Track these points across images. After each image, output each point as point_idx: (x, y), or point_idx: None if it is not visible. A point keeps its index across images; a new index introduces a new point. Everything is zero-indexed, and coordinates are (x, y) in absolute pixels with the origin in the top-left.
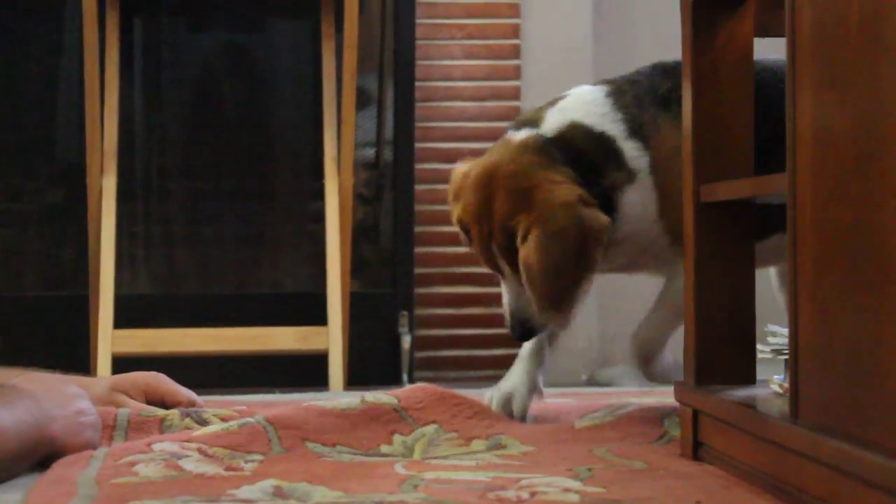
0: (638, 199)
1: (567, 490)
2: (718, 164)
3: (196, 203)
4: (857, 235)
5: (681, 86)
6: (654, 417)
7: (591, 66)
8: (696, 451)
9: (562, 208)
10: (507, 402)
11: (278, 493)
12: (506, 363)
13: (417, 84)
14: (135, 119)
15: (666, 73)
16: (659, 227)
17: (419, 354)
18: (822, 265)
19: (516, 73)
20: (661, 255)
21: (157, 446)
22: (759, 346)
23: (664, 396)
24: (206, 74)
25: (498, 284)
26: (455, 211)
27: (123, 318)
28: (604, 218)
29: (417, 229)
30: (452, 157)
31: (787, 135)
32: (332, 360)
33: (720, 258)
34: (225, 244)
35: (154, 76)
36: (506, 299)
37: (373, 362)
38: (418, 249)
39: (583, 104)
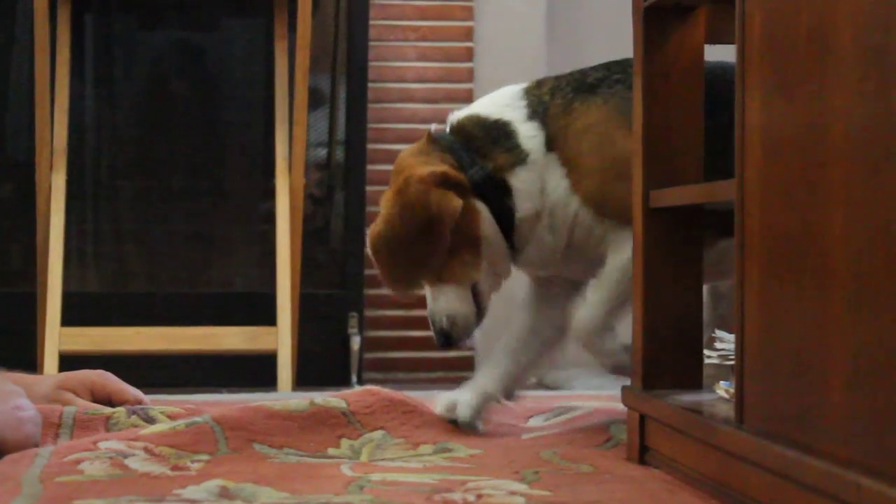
0: (533, 177)
1: (513, 493)
2: (668, 169)
3: (146, 201)
4: (803, 242)
5: (619, 78)
6: (601, 422)
7: (545, 69)
8: (643, 455)
9: (415, 184)
10: (451, 408)
11: (224, 493)
12: (455, 366)
13: (370, 85)
14: (85, 116)
15: (606, 65)
16: (576, 201)
17: (368, 356)
18: (768, 272)
19: (469, 75)
20: (592, 235)
21: (102, 444)
22: (706, 352)
23: (611, 401)
24: (157, 73)
25: None
26: None
27: (71, 316)
28: (455, 201)
29: (368, 230)
30: None
31: (736, 141)
32: (280, 361)
33: (669, 264)
34: (174, 243)
35: (105, 74)
36: (428, 306)
37: (322, 363)
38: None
39: (490, 98)
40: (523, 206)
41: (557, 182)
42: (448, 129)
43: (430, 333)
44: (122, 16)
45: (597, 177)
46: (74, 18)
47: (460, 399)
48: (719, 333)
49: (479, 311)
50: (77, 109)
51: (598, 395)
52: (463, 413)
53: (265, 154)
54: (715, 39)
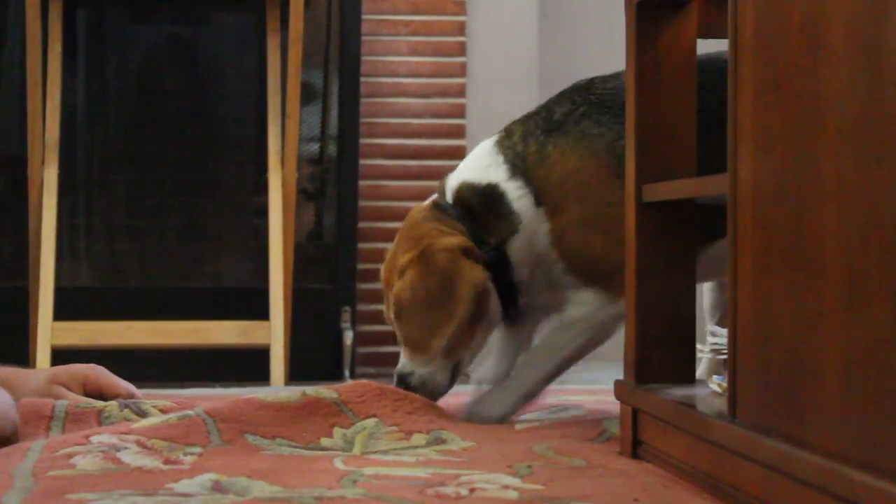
0: (526, 244)
1: (506, 487)
2: (660, 163)
3: (138, 196)
4: (796, 237)
5: (584, 111)
6: (594, 417)
7: (537, 63)
8: (636, 449)
9: (442, 252)
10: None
11: (217, 487)
12: None
13: (363, 80)
14: (77, 111)
15: (569, 95)
16: (554, 254)
17: (361, 350)
18: (761, 266)
19: (462, 70)
20: (557, 285)
21: (95, 439)
22: (698, 346)
23: (604, 395)
24: (150, 67)
25: None
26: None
27: (64, 311)
28: (481, 273)
29: (361, 225)
30: (397, 153)
31: (729, 136)
32: (273, 355)
33: (661, 258)
34: (167, 237)
35: (97, 68)
36: (401, 361)
37: (314, 358)
38: (361, 245)
39: (472, 160)
40: (521, 273)
41: (544, 238)
42: (449, 198)
43: None
44: (114, 10)
45: (574, 232)
46: (66, 13)
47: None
48: (712, 328)
49: (453, 378)
50: (69, 104)
51: (592, 389)
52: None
53: (257, 148)
54: (707, 34)
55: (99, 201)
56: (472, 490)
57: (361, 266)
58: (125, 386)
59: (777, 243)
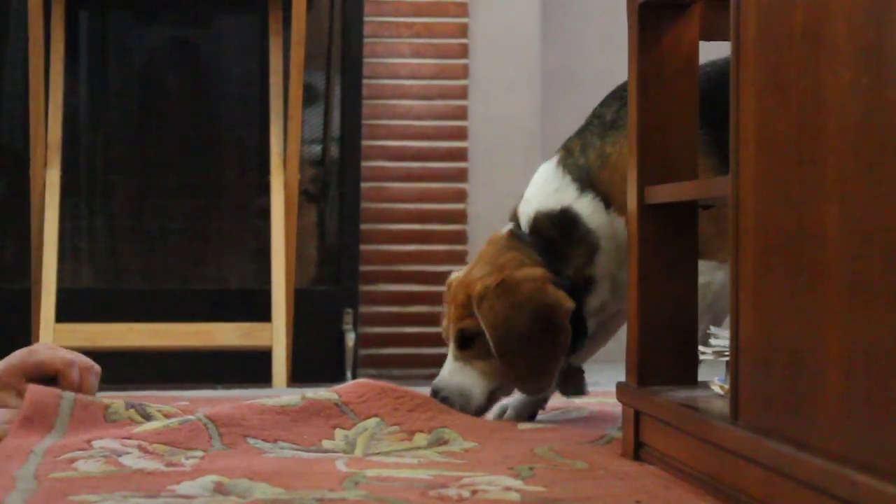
0: (611, 253)
1: (508, 489)
2: (662, 166)
3: (140, 198)
4: (798, 238)
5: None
6: (596, 419)
7: (539, 65)
8: (637, 451)
9: (528, 282)
10: (501, 415)
11: (219, 488)
12: None
13: (365, 82)
14: (79, 112)
15: (616, 94)
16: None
17: (363, 352)
18: (763, 267)
19: (464, 72)
20: None
21: (96, 443)
22: (700, 348)
23: (606, 397)
24: (152, 69)
25: (444, 283)
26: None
27: (66, 312)
28: (569, 301)
29: (363, 227)
30: (399, 155)
31: (731, 137)
32: (275, 357)
33: (663, 259)
34: (169, 239)
35: (100, 70)
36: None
37: (316, 359)
38: (363, 247)
39: (540, 186)
40: (598, 299)
41: (622, 234)
42: (525, 227)
43: (425, 329)
44: (117, 12)
45: None
46: (69, 14)
47: (510, 404)
48: (714, 329)
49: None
50: (71, 106)
51: (593, 391)
52: (510, 415)
53: (260, 150)
54: (710, 36)
55: (101, 203)
56: (473, 492)
57: (363, 268)
58: (63, 358)
59: (779, 245)
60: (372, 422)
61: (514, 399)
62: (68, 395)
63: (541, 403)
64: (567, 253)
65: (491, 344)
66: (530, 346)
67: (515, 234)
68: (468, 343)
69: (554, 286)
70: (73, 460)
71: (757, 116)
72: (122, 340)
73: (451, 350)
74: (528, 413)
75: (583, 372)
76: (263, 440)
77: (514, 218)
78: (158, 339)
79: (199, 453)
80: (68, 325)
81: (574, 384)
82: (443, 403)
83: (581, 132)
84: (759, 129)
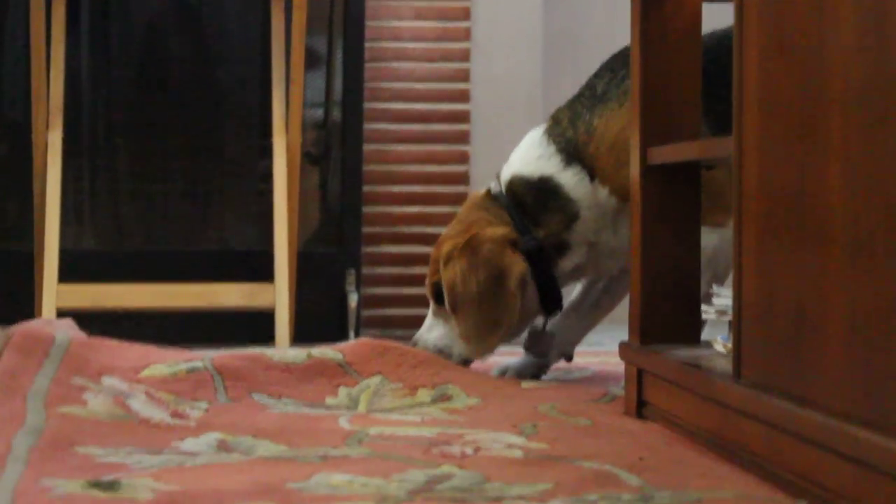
0: (591, 223)
1: (511, 446)
2: (666, 127)
3: (143, 159)
4: (800, 198)
5: (624, 74)
6: (599, 377)
7: (541, 27)
8: (640, 409)
9: (488, 243)
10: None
11: (222, 446)
12: None
13: (367, 44)
14: (81, 74)
15: (608, 65)
16: (614, 200)
17: (366, 313)
18: (766, 227)
19: (466, 34)
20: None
21: (105, 380)
22: (703, 307)
23: (609, 356)
24: (154, 30)
25: None
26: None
27: (69, 273)
28: (521, 266)
29: (365, 188)
30: (401, 117)
31: (734, 99)
32: (278, 318)
33: (666, 220)
34: (172, 200)
35: (101, 31)
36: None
37: (319, 320)
38: (366, 209)
39: (523, 152)
40: (571, 262)
41: (607, 201)
42: (503, 188)
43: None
44: None
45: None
46: None
47: (511, 364)
48: (716, 288)
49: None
50: (73, 67)
51: (596, 350)
52: (512, 373)
53: (262, 113)
54: None
55: (103, 164)
56: (476, 449)
57: (366, 229)
58: None
59: (782, 204)
60: (375, 379)
61: (515, 360)
62: (63, 333)
63: (543, 368)
64: (540, 217)
65: (446, 300)
66: (480, 307)
67: (492, 194)
68: (443, 299)
69: (512, 249)
70: (83, 389)
71: (760, 78)
72: (125, 301)
73: (430, 306)
74: (529, 375)
75: (552, 336)
76: (268, 395)
77: (497, 180)
78: (161, 299)
79: (205, 405)
80: (71, 286)
81: (540, 346)
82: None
83: (572, 103)
84: (762, 91)
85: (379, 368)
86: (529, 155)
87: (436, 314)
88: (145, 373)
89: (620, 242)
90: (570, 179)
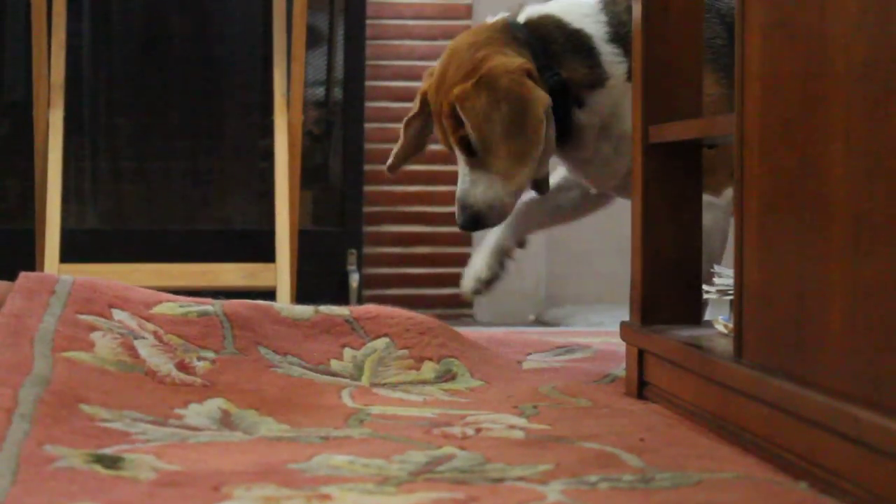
0: (610, 102)
1: (512, 427)
2: (667, 105)
3: (144, 138)
4: (802, 177)
5: None
6: (600, 358)
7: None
8: (641, 390)
9: (505, 75)
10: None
11: (225, 421)
12: (453, 303)
13: (368, 22)
14: (82, 53)
15: None
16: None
17: (367, 293)
18: (767, 206)
19: (467, 12)
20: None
21: (116, 315)
22: (704, 287)
23: (610, 337)
24: (155, 9)
25: (448, 224)
26: (423, 85)
27: (70, 253)
28: (545, 95)
29: (367, 167)
30: (402, 95)
31: (736, 76)
32: (279, 297)
33: (668, 199)
34: (173, 180)
35: (103, 9)
36: (461, 188)
37: (320, 300)
38: (367, 188)
39: (567, 4)
40: (591, 119)
41: (622, 111)
42: (523, 24)
43: (429, 270)
44: None
45: None
46: None
47: (469, 273)
48: (717, 268)
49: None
50: (74, 46)
51: (598, 331)
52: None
53: (263, 91)
54: None
55: (105, 143)
56: (478, 430)
57: (367, 209)
58: None
59: (784, 183)
60: (381, 342)
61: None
62: (66, 276)
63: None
64: (565, 62)
65: (474, 140)
66: (508, 140)
67: (508, 24)
68: (474, 150)
69: (532, 78)
70: (91, 329)
71: (762, 54)
72: (127, 280)
73: (461, 161)
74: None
75: (548, 173)
76: (274, 351)
77: (511, 12)
78: (162, 279)
79: (211, 355)
80: (72, 266)
81: (541, 185)
82: (473, 220)
83: None
84: (765, 68)
85: (386, 330)
86: (577, 10)
87: (472, 167)
88: (157, 309)
89: (625, 136)
90: (609, 53)
